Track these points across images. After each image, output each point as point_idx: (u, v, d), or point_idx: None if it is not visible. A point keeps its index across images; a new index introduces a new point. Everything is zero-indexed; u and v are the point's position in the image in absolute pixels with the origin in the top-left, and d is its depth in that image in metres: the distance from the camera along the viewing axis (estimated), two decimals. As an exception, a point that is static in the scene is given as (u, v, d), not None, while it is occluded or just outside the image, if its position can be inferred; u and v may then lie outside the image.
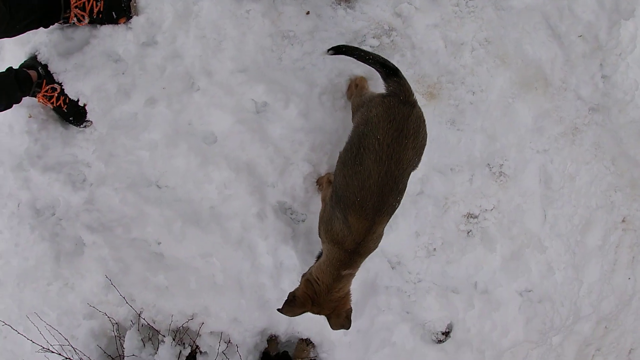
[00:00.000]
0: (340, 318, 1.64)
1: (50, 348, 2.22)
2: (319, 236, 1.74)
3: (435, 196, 2.30)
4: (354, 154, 1.50)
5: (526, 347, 2.51)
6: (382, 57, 1.62)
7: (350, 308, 1.68)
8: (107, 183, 2.28)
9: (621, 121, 2.85)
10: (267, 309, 2.29)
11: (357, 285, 2.24)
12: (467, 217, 2.37)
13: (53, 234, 2.37)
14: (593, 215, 2.73)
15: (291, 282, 2.25)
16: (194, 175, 2.24)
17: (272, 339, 2.39)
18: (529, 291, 2.47)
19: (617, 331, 3.02)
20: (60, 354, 2.22)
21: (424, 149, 1.59)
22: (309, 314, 1.67)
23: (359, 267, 1.64)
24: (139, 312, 2.31)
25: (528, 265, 2.45)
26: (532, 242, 2.45)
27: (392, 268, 2.29)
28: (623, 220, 2.93)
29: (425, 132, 1.57)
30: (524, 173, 2.47)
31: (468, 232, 2.37)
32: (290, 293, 1.66)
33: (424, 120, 1.57)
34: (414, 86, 2.30)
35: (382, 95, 1.57)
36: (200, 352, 2.35)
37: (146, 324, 2.31)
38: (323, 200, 1.97)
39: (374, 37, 2.27)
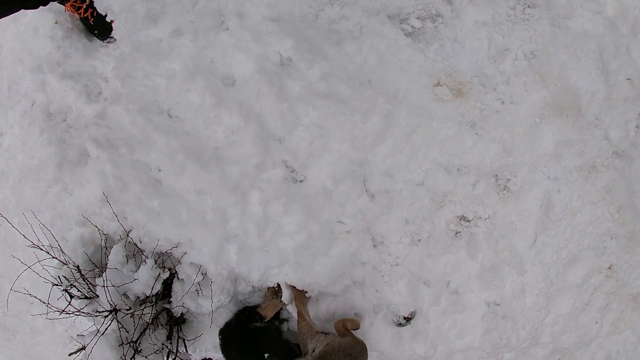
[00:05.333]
0: None
1: (40, 246, 2.30)
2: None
3: (435, 191, 2.32)
4: None
5: (477, 355, 2.60)
6: None
7: None
8: (121, 102, 2.32)
9: (640, 175, 2.82)
10: (247, 255, 2.36)
11: (337, 252, 2.33)
12: (460, 219, 2.40)
13: (61, 139, 2.44)
14: (582, 254, 2.74)
15: (273, 234, 2.31)
16: (205, 113, 2.28)
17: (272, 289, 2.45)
18: (497, 305, 2.53)
19: (568, 366, 3.10)
20: (48, 253, 2.30)
21: None
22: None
23: None
24: (128, 231, 2.39)
25: (503, 282, 2.50)
26: (514, 261, 2.49)
27: (374, 246, 2.36)
28: (609, 267, 2.93)
29: None
30: (528, 194, 2.47)
31: (456, 233, 2.41)
32: None
33: None
34: (443, 79, 2.31)
35: None
36: (178, 278, 2.45)
37: (132, 242, 2.39)
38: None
39: (417, 18, 2.24)
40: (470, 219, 2.40)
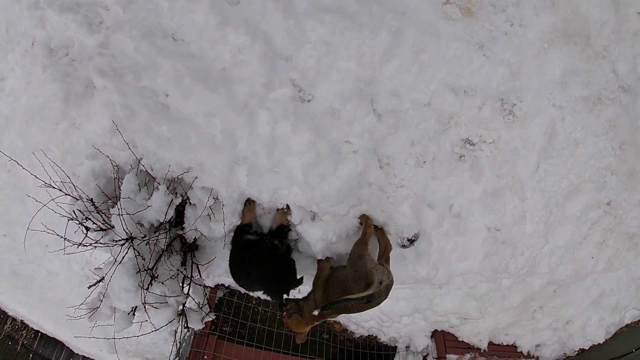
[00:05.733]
0: None
1: (52, 184, 2.27)
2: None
3: (441, 112, 2.32)
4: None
5: (477, 279, 2.67)
6: None
7: None
8: (124, 29, 2.25)
9: (645, 113, 2.82)
10: (256, 177, 2.37)
11: (344, 173, 2.34)
12: (465, 142, 2.41)
13: (65, 74, 2.38)
14: (582, 186, 2.77)
15: (282, 154, 2.32)
16: (210, 33, 2.22)
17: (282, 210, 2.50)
18: (497, 230, 2.57)
19: (564, 298, 3.19)
20: (60, 190, 2.28)
21: None
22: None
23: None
24: (139, 158, 2.36)
25: (504, 207, 2.53)
26: (516, 186, 2.51)
27: (380, 167, 2.37)
28: (608, 203, 2.98)
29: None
30: (533, 120, 2.47)
31: (461, 157, 2.42)
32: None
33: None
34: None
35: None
36: (190, 203, 2.46)
37: (144, 170, 2.37)
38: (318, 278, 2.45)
39: None
40: (475, 143, 2.41)
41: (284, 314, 2.30)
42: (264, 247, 2.37)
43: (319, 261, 2.47)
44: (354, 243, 2.25)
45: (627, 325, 3.67)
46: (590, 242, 3.00)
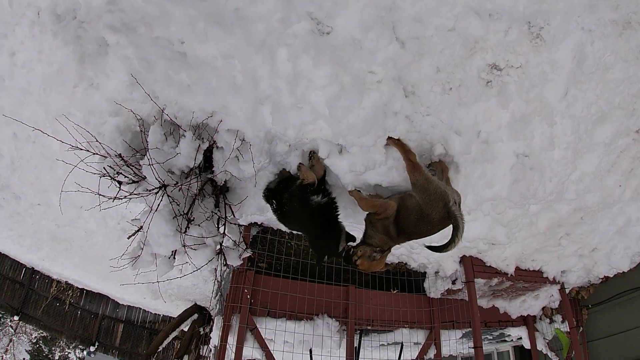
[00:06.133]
0: None
1: (79, 145, 2.33)
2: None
3: (466, 37, 2.28)
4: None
5: (505, 204, 2.72)
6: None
7: None
8: None
9: (677, 38, 2.71)
10: (281, 114, 2.41)
11: (369, 104, 2.36)
12: (492, 68, 2.39)
13: (76, 37, 2.38)
14: (611, 113, 2.74)
15: (305, 89, 2.33)
16: None
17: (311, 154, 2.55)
18: (526, 156, 2.59)
19: (590, 226, 3.23)
20: (88, 150, 2.35)
21: None
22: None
23: None
24: (162, 109, 2.38)
25: (533, 132, 2.54)
26: (544, 112, 2.50)
27: (406, 96, 2.38)
28: (637, 131, 2.94)
29: None
30: (561, 43, 2.42)
31: (487, 82, 2.41)
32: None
33: None
34: None
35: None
36: (217, 147, 2.52)
37: (168, 119, 2.41)
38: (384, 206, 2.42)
39: None
40: (502, 68, 2.39)
41: (359, 261, 2.42)
42: (331, 209, 2.46)
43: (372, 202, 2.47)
44: (408, 172, 2.32)
45: (652, 255, 3.71)
46: (618, 170, 3.00)
